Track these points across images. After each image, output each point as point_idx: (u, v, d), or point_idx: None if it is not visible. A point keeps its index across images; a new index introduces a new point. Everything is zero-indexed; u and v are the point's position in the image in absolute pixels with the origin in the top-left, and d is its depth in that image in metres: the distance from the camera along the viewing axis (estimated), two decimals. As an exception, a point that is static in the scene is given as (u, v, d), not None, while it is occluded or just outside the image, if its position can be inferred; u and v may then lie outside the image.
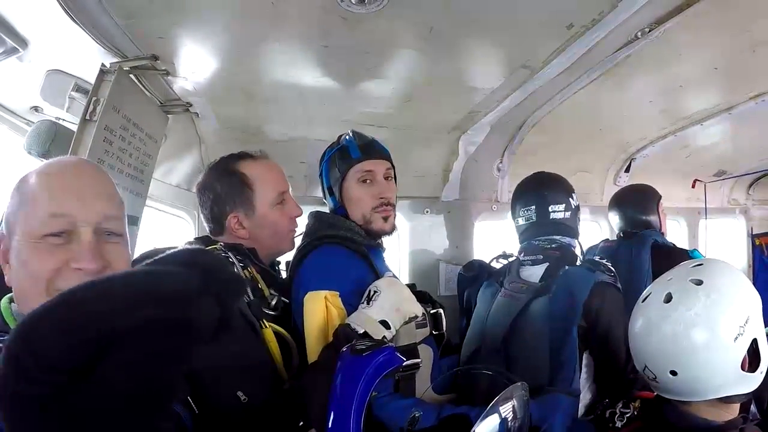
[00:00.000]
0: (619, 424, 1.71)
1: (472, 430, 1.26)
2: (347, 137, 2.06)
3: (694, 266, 1.57)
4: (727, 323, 1.44)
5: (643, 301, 1.59)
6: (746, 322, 1.45)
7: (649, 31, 2.09)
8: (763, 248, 5.72)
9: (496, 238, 3.64)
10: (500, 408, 1.32)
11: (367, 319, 1.56)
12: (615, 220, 3.52)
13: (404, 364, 1.73)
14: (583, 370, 2.17)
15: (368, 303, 1.59)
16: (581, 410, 2.17)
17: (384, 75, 2.27)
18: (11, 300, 1.21)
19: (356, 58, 2.11)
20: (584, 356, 2.16)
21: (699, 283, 1.49)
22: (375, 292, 1.60)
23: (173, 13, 1.74)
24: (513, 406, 1.35)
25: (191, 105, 2.41)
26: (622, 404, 1.78)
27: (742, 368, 1.46)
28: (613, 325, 2.05)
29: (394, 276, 1.65)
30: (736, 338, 1.43)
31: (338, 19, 1.77)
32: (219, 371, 1.54)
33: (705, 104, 3.26)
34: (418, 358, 1.82)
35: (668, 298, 1.50)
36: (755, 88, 3.06)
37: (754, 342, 1.47)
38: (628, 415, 1.71)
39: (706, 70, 2.68)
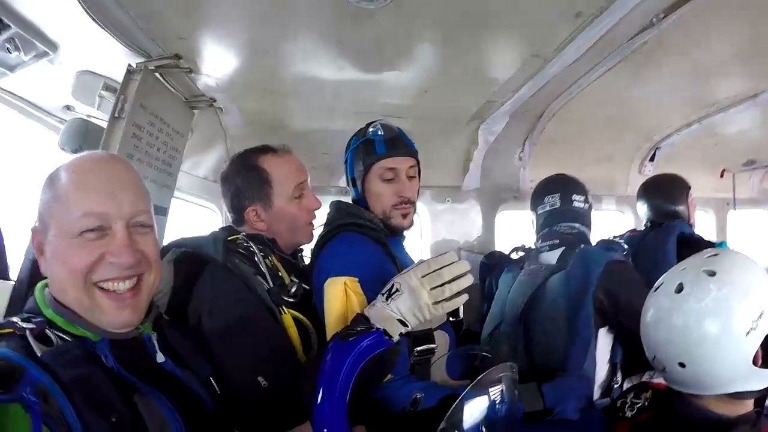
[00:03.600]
0: (629, 414, 1.71)
1: (453, 405, 1.29)
2: (374, 129, 2.05)
3: (709, 256, 1.51)
4: (739, 317, 1.38)
5: (656, 290, 1.55)
6: (760, 317, 1.39)
7: (664, 17, 2.08)
8: None
9: (517, 228, 3.66)
10: (488, 388, 1.37)
11: (387, 317, 1.54)
12: (642, 210, 3.45)
13: (419, 349, 1.79)
14: (599, 347, 2.22)
15: (387, 299, 1.55)
16: (597, 390, 2.24)
17: (399, 67, 2.32)
18: (46, 285, 1.29)
19: (370, 51, 2.16)
20: (601, 333, 2.23)
21: (712, 274, 1.43)
22: (397, 291, 1.55)
23: (193, 16, 1.82)
24: (501, 387, 1.39)
25: (215, 100, 2.49)
26: (633, 394, 1.78)
27: (755, 364, 1.40)
28: (633, 298, 2.04)
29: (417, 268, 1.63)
30: (749, 332, 1.38)
31: (349, 15, 1.82)
32: (241, 357, 1.63)
33: (730, 91, 3.18)
34: (434, 343, 1.84)
35: (679, 289, 1.45)
36: None
37: None
38: (638, 406, 1.70)
39: (729, 56, 2.64)
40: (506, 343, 2.41)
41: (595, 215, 2.64)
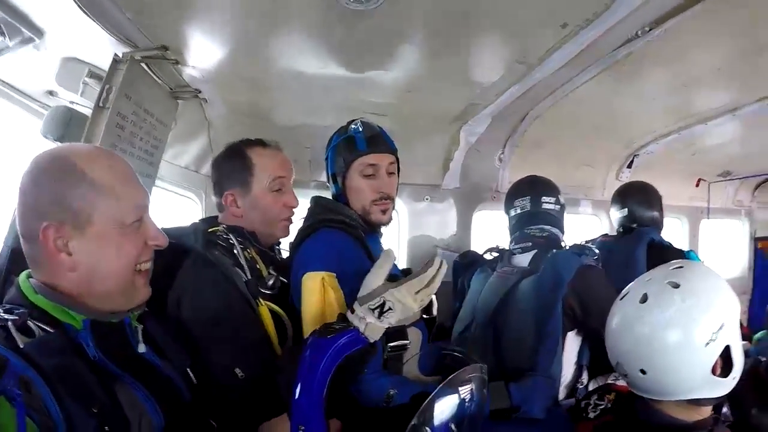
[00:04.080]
0: (591, 415, 1.76)
1: (424, 403, 1.33)
2: (355, 127, 2.09)
3: (674, 268, 1.56)
4: (700, 328, 1.43)
5: (621, 299, 1.60)
6: (720, 329, 1.44)
7: (650, 30, 2.13)
8: (766, 252, 5.71)
9: (494, 228, 3.69)
10: (458, 387, 1.41)
11: (378, 331, 1.57)
12: (616, 215, 3.54)
13: (392, 344, 1.83)
14: (567, 349, 2.32)
15: (380, 317, 1.55)
16: (564, 390, 2.31)
17: (385, 66, 2.34)
18: (29, 276, 1.31)
19: (358, 49, 2.19)
20: (570, 335, 2.32)
21: (676, 286, 1.48)
22: (390, 309, 1.56)
23: (181, 8, 1.83)
24: (470, 387, 1.43)
25: (200, 92, 2.49)
26: (597, 396, 1.83)
27: (714, 373, 1.46)
28: (602, 303, 2.11)
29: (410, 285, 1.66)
30: (708, 344, 1.43)
31: (339, 13, 1.85)
32: (218, 348, 1.66)
33: (710, 104, 3.26)
34: (407, 339, 1.88)
35: (644, 299, 1.50)
36: (762, 91, 3.07)
37: (727, 349, 1.47)
38: (602, 407, 1.76)
39: (711, 71, 2.70)
40: (476, 343, 2.48)
41: (572, 218, 2.70)
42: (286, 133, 2.76)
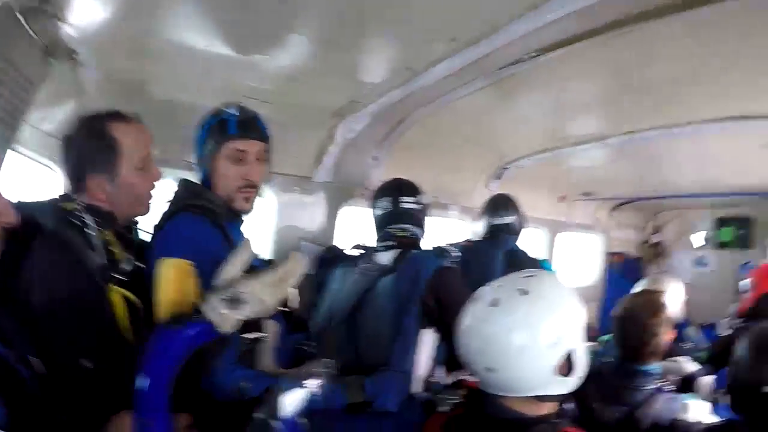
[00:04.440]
0: (445, 409, 1.84)
1: (267, 396, 1.36)
2: (229, 111, 2.04)
3: (525, 276, 1.65)
4: (544, 332, 1.52)
5: (473, 301, 1.66)
6: (563, 333, 1.54)
7: (536, 55, 2.26)
8: (616, 265, 6.28)
9: (361, 226, 3.71)
10: (304, 381, 1.44)
11: (231, 323, 1.54)
12: (480, 222, 3.72)
13: (247, 336, 1.77)
14: (424, 345, 2.41)
15: (233, 309, 1.52)
16: (420, 385, 2.40)
17: (271, 52, 2.32)
18: None
19: (246, 32, 2.16)
20: (427, 332, 2.41)
21: (525, 292, 1.56)
22: (244, 301, 1.54)
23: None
24: (317, 382, 1.47)
25: (76, 53, 2.33)
26: (450, 390, 1.93)
27: (557, 373, 1.55)
28: (457, 303, 2.20)
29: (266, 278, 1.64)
30: (552, 346, 1.52)
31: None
32: (65, 337, 1.55)
33: (580, 130, 3.57)
34: (263, 332, 1.84)
35: (494, 303, 1.57)
36: (627, 125, 3.38)
37: (571, 352, 1.57)
38: (454, 401, 1.85)
39: (585, 101, 2.94)
40: (335, 338, 2.52)
41: (440, 221, 2.80)
42: (161, 107, 2.65)
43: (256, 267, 1.70)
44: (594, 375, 2.18)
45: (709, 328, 4.35)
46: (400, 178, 2.83)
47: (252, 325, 1.78)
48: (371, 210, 2.81)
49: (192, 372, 1.49)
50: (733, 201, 5.77)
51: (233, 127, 2.02)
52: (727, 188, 5.25)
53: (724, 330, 3.79)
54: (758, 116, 3.17)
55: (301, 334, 2.34)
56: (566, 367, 1.58)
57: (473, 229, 3.93)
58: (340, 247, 3.00)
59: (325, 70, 2.50)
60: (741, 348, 1.83)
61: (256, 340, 1.83)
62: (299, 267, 1.63)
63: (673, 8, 1.99)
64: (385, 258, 2.59)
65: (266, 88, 2.68)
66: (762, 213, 5.77)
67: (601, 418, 2.26)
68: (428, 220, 2.79)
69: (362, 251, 2.80)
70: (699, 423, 2.11)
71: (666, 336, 2.37)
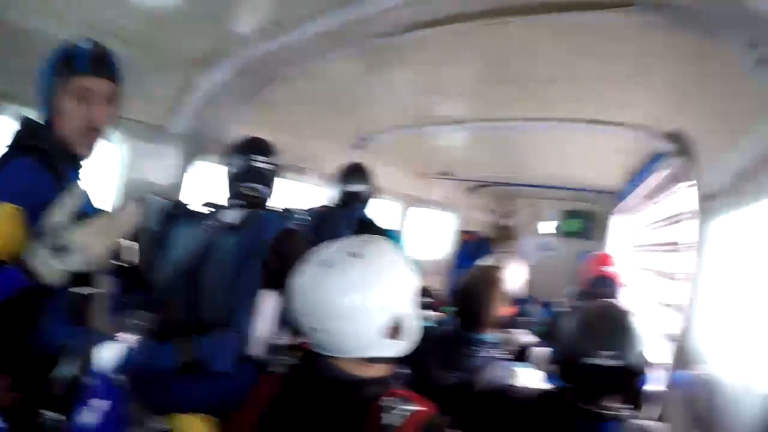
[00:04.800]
0: (281, 370, 1.84)
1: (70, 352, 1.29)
2: (80, 44, 1.84)
3: (360, 241, 1.66)
4: (372, 295, 1.54)
5: (305, 262, 1.65)
6: (392, 298, 1.57)
7: (408, 31, 2.27)
8: (467, 243, 6.64)
9: (214, 182, 3.59)
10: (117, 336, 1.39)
11: (53, 273, 1.41)
12: (335, 188, 3.72)
13: (75, 290, 1.68)
14: (266, 307, 2.39)
15: (56, 257, 1.40)
16: (261, 347, 2.37)
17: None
18: None
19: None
20: (271, 293, 2.38)
21: (357, 255, 1.57)
22: (68, 249, 1.42)
23: None
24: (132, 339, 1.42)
25: None
26: (288, 352, 1.92)
27: (385, 335, 1.57)
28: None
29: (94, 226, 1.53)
30: (380, 309, 1.54)
31: None
32: None
33: (446, 112, 3.64)
34: (94, 287, 1.75)
35: (326, 263, 1.58)
36: (491, 113, 3.54)
37: (399, 316, 1.58)
38: (290, 363, 1.86)
39: (453, 84, 2.98)
40: (176, 295, 2.44)
41: (298, 185, 2.78)
42: (15, 36, 2.39)
43: (87, 214, 1.55)
44: (434, 342, 2.35)
45: (548, 306, 4.78)
46: (256, 137, 2.76)
47: (83, 279, 1.68)
48: (224, 166, 2.72)
49: (12, 328, 1.36)
50: (580, 196, 6.34)
51: (82, 62, 1.82)
52: (577, 184, 5.84)
53: (561, 308, 4.17)
54: (613, 123, 3.44)
55: (141, 291, 2.25)
56: (395, 330, 1.60)
57: (329, 195, 3.95)
58: (188, 203, 2.89)
59: (193, 14, 2.37)
60: (569, 324, 1.99)
61: (88, 295, 1.73)
62: (131, 216, 1.54)
63: (542, 9, 2.08)
64: (233, 216, 2.52)
65: (132, 28, 2.48)
66: (603, 209, 6.25)
67: (438, 383, 2.37)
68: (278, 182, 2.76)
69: (212, 209, 2.71)
70: (527, 388, 2.25)
71: (503, 308, 2.53)
